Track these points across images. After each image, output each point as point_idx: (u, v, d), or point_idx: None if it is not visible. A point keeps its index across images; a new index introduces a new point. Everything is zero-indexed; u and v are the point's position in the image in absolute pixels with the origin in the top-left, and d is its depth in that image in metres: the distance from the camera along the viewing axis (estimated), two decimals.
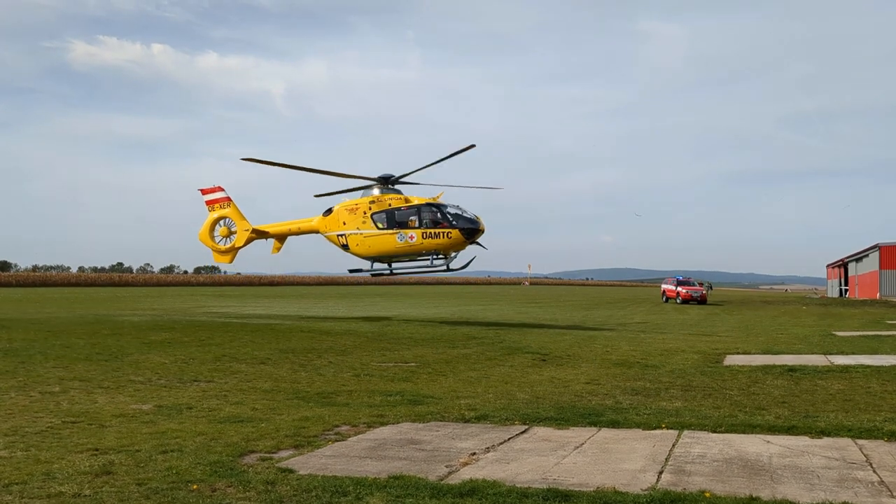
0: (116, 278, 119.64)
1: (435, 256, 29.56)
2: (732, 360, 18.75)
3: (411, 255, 30.02)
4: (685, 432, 9.67)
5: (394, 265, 31.09)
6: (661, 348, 21.68)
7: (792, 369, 16.34)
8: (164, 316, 32.30)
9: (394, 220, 29.29)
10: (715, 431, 9.72)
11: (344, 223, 30.08)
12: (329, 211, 30.90)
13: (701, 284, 66.05)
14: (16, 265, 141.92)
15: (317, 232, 31.48)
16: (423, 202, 29.70)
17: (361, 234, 29.44)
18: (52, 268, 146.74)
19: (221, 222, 32.53)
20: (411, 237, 28.90)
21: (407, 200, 29.73)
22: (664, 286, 67.37)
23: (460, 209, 29.30)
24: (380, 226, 29.38)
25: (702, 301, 60.25)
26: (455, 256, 29.86)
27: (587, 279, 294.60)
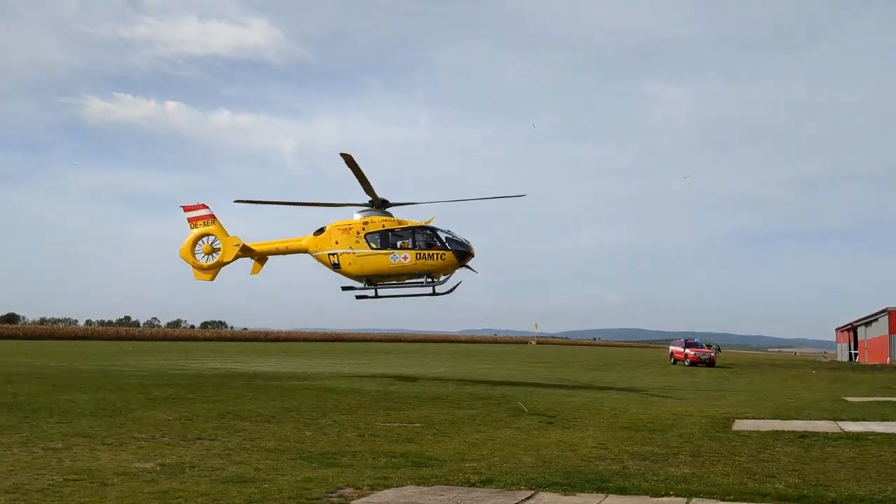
0: (123, 332, 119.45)
1: (427, 279, 30.05)
2: (742, 424, 18.52)
3: (403, 275, 30.50)
4: (693, 500, 9.52)
5: (380, 289, 31.13)
6: (669, 412, 21.45)
7: (802, 435, 16.13)
8: (169, 371, 32.19)
9: (387, 240, 29.89)
10: (724, 500, 9.56)
11: (336, 242, 30.37)
12: (321, 230, 30.98)
13: (709, 347, 65.54)
14: (23, 317, 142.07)
15: (305, 251, 31.34)
16: (417, 225, 30.39)
17: (354, 253, 29.89)
18: (59, 320, 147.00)
19: (204, 239, 31.77)
20: (405, 258, 29.55)
21: (399, 223, 30.39)
22: (672, 348, 66.89)
23: (451, 233, 30.06)
24: (373, 246, 29.89)
25: (710, 364, 59.73)
26: (445, 280, 30.35)
27: (594, 339, 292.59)
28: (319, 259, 30.98)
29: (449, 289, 30.82)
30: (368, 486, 10.19)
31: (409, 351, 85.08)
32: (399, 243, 29.89)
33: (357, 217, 30.82)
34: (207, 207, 32.31)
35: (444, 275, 30.20)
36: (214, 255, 31.67)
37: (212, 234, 31.73)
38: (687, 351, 61.67)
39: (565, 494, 9.84)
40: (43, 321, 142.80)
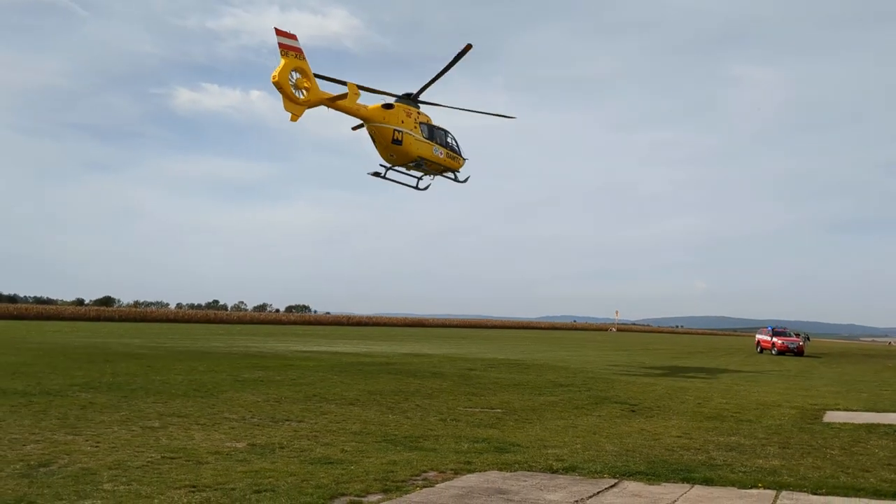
0: (212, 315, 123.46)
1: (443, 173, 33.66)
2: (833, 416, 17.95)
3: (432, 168, 33.14)
4: (783, 493, 9.32)
5: (390, 173, 33.32)
6: (756, 402, 20.96)
7: None
8: (257, 353, 33.14)
9: (432, 134, 32.39)
10: (815, 493, 9.33)
11: (402, 122, 31.58)
12: (390, 105, 31.49)
13: (798, 335, 63.56)
14: (119, 300, 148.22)
15: (367, 120, 31.24)
16: (444, 129, 33.11)
17: (413, 136, 31.61)
18: (151, 304, 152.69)
19: (296, 72, 29.51)
20: (440, 153, 32.66)
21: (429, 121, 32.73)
22: (759, 336, 65.12)
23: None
24: (423, 135, 32.00)
25: (799, 353, 57.93)
26: (454, 178, 34.36)
27: (676, 327, 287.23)
28: (380, 131, 31.11)
29: (426, 185, 34.13)
30: (452, 470, 10.33)
31: (488, 337, 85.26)
32: (438, 139, 32.57)
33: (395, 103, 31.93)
34: (297, 39, 30.04)
35: (453, 175, 34.18)
36: (302, 91, 29.69)
37: (303, 70, 29.67)
38: (774, 339, 59.95)
39: (650, 484, 9.77)
40: (136, 304, 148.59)
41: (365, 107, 31.19)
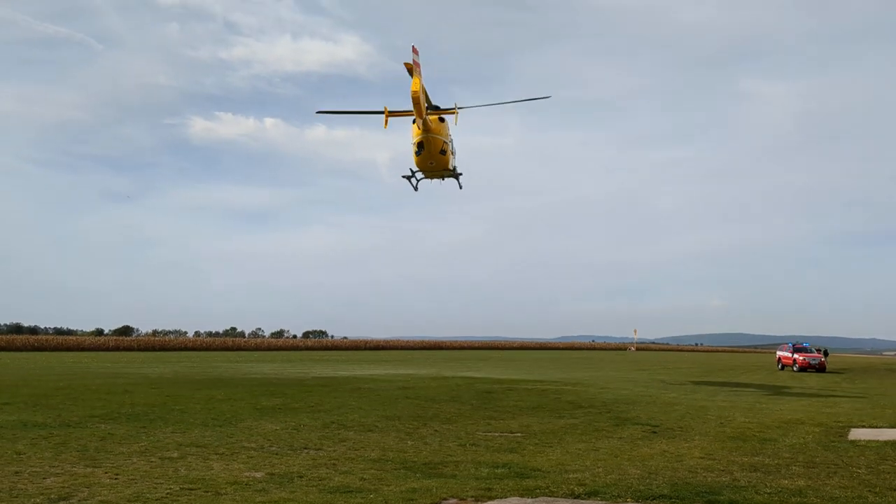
0: (230, 342, 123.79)
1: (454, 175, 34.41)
2: (858, 434, 17.68)
3: (449, 175, 34.05)
4: None
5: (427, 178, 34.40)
6: (779, 420, 20.69)
7: None
8: (275, 380, 33.13)
9: (452, 146, 33.23)
10: None
11: (448, 134, 32.80)
12: (443, 119, 32.42)
13: (818, 351, 62.92)
14: (137, 329, 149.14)
15: (425, 129, 31.63)
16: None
17: (450, 147, 32.86)
18: (170, 332, 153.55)
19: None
20: (455, 163, 33.88)
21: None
22: (779, 353, 64.53)
23: None
24: (452, 147, 33.15)
25: (820, 369, 57.34)
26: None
27: (696, 344, 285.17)
28: (433, 142, 32.02)
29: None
30: (472, 497, 10.22)
31: (506, 359, 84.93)
32: (451, 148, 33.25)
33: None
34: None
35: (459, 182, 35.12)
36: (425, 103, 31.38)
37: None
38: (796, 356, 59.41)
39: None
40: (155, 333, 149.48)
41: (433, 119, 32.24)
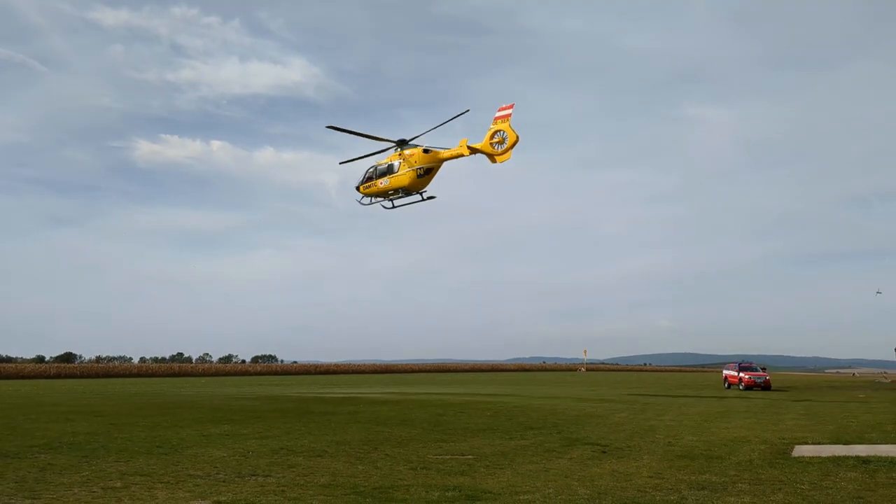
0: (177, 368, 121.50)
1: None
2: (801, 450, 18.05)
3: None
4: None
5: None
6: (725, 438, 21.01)
7: (866, 461, 15.66)
8: (223, 406, 32.54)
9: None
10: None
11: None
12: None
13: (763, 369, 64.20)
14: (80, 356, 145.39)
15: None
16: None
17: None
18: (114, 358, 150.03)
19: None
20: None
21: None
22: (726, 372, 65.64)
23: None
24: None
25: (766, 387, 58.46)
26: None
27: (645, 364, 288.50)
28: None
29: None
30: None
31: (458, 381, 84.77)
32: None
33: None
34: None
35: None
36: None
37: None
38: (741, 375, 60.50)
39: None
40: (99, 359, 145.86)
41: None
